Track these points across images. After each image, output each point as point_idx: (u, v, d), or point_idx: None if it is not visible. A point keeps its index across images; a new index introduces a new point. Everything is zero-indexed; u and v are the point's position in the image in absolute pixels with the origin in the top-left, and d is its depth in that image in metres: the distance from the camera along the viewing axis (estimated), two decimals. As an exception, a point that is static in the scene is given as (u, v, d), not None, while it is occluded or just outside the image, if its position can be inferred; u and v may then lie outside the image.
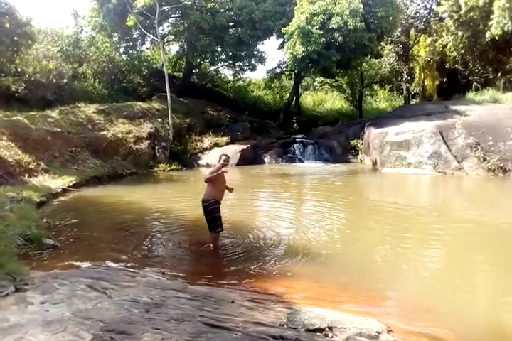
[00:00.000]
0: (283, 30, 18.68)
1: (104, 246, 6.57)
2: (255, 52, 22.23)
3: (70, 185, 11.58)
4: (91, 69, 20.64)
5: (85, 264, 5.63)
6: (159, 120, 18.14)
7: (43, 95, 16.23)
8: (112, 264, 5.65)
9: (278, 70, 25.03)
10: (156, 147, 16.74)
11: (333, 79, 27.88)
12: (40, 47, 17.66)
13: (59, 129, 14.32)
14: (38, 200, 9.30)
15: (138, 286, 4.32)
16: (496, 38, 17.68)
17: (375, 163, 16.42)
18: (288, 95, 25.89)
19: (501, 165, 13.35)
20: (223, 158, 6.21)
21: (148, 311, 3.62)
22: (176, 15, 21.11)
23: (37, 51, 17.25)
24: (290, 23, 18.35)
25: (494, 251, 6.38)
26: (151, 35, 20.49)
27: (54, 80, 16.74)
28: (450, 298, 4.74)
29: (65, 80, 17.41)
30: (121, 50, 22.33)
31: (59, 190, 10.86)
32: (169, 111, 17.84)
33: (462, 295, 4.85)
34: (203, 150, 18.25)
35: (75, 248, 6.45)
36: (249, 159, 18.13)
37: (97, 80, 20.05)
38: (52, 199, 10.18)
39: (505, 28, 16.82)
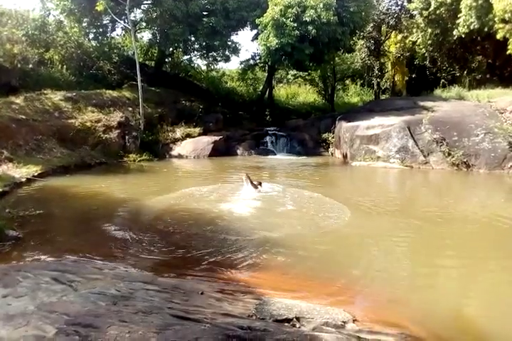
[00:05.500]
0: (257, 21, 18.59)
1: (70, 238, 6.43)
2: (229, 43, 21.96)
3: (35, 174, 11.21)
4: (58, 54, 19.88)
5: (50, 256, 5.49)
6: (130, 109, 17.76)
7: (7, 81, 15.52)
8: (78, 256, 5.53)
9: (252, 62, 24.95)
10: (127, 137, 16.40)
11: (306, 73, 28.01)
12: (4, 30, 16.82)
13: (24, 117, 13.81)
14: (0, 190, 8.99)
15: (105, 279, 4.25)
16: (463, 36, 18.18)
17: (345, 157, 16.68)
18: (261, 87, 25.84)
19: (465, 160, 13.83)
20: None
21: (116, 304, 3.58)
22: (148, 2, 20.60)
23: (0, 34, 16.46)
24: (264, 15, 18.28)
25: (460, 243, 6.61)
26: (122, 22, 19.93)
27: (19, 65, 16.05)
28: (416, 289, 4.91)
29: (30, 66, 16.74)
30: (91, 35, 21.58)
31: (23, 180, 10.51)
32: (140, 100, 17.48)
33: (428, 286, 5.02)
34: (175, 140, 18.02)
35: (40, 239, 6.28)
36: (221, 150, 18.06)
37: (65, 66, 19.35)
38: (16, 189, 9.84)
39: (472, 27, 17.30)
